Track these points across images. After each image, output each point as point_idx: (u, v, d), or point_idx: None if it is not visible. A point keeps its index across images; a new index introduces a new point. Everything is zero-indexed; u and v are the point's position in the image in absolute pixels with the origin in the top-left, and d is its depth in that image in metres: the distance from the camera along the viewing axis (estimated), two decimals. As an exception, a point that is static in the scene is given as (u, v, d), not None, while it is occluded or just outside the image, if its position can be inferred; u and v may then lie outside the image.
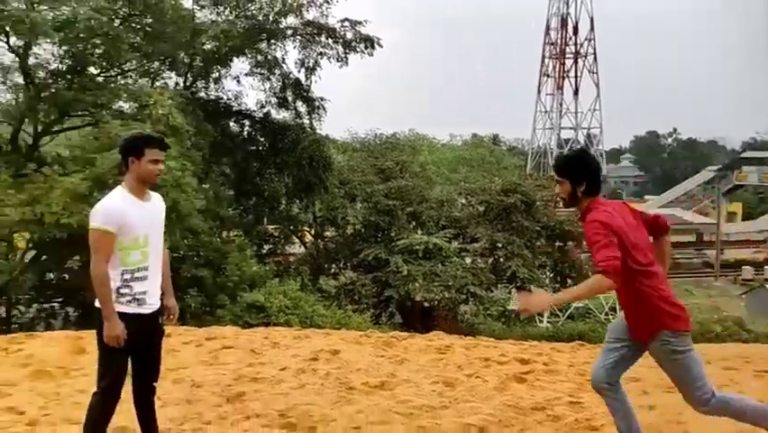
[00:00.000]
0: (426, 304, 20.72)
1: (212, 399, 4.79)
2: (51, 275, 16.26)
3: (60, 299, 17.00)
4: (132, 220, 3.25)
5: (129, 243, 3.26)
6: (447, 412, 4.62)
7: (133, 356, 3.46)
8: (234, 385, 5.19)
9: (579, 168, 3.31)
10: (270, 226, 24.98)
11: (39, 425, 4.10)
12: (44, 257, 15.10)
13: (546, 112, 36.79)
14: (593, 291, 3.17)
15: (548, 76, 36.91)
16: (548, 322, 24.96)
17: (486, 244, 21.78)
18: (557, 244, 23.41)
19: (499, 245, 21.69)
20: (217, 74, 21.69)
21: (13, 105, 16.72)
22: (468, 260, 21.49)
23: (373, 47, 21.32)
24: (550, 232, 22.79)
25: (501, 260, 21.73)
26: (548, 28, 36.85)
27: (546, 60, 37.00)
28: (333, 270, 23.87)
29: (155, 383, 3.62)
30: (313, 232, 25.83)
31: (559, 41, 36.21)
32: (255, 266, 17.69)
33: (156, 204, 3.49)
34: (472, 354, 6.49)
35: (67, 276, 15.68)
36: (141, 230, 3.30)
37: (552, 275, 23.44)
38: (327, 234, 25.48)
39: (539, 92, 37.25)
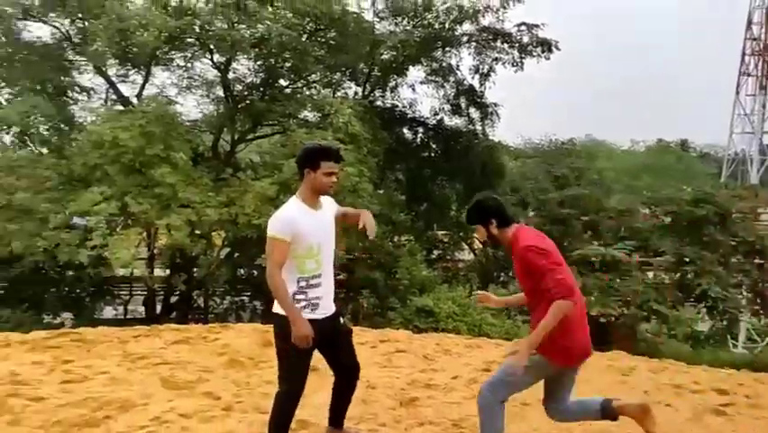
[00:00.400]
0: (602, 320, 19.57)
1: (386, 401, 4.86)
2: (242, 271, 17.79)
3: (249, 294, 18.61)
4: (306, 230, 3.37)
5: (303, 251, 3.38)
6: (632, 441, 4.27)
7: (327, 359, 3.63)
8: (408, 390, 5.24)
9: (480, 213, 3.54)
10: (440, 232, 25.18)
11: (233, 411, 4.44)
12: (237, 254, 16.58)
13: (746, 115, 32.96)
14: (557, 320, 3.23)
15: (749, 75, 33.05)
16: (743, 348, 22.40)
17: (672, 258, 20.08)
18: (756, 260, 20.93)
19: (687, 260, 19.87)
20: (394, 83, 22.35)
21: (214, 116, 18.58)
22: (651, 274, 19.96)
23: (550, 50, 20.68)
24: (748, 248, 20.44)
25: (689, 276, 19.87)
26: (750, 22, 32.97)
27: (747, 58, 33.14)
28: (502, 278, 23.46)
29: (356, 381, 3.77)
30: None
31: (763, 35, 32.33)
32: (425, 271, 17.93)
33: (327, 213, 3.57)
34: (660, 379, 5.95)
35: (255, 272, 17.06)
36: (315, 239, 3.41)
37: (750, 295, 20.99)
38: (498, 242, 25.08)
39: (737, 93, 33.46)
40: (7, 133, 17.03)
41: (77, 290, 16.77)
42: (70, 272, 15.70)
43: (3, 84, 17.76)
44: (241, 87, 17.83)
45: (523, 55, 20.94)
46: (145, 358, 5.70)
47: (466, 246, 26.11)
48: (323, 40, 18.01)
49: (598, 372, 6.11)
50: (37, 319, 14.06)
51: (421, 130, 23.51)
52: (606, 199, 22.79)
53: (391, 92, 22.81)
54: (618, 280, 19.06)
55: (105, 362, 5.60)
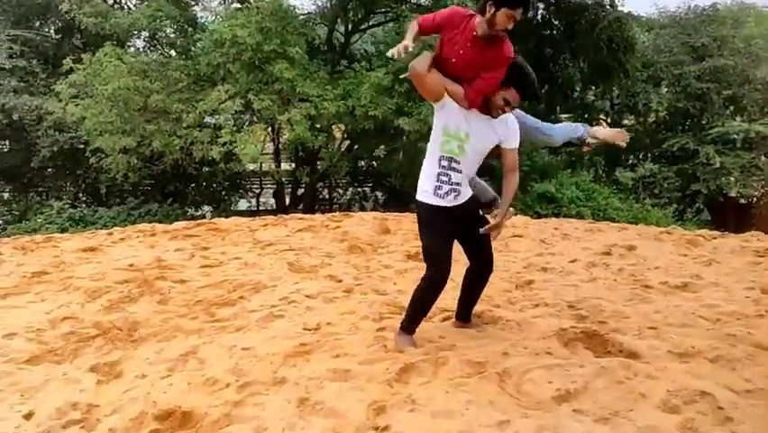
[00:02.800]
0: (743, 200, 18.26)
1: (501, 284, 4.92)
2: (362, 162, 18.17)
3: (371, 184, 19.10)
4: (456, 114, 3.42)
5: (452, 131, 3.45)
6: (764, 322, 4.06)
7: (465, 248, 3.70)
8: (523, 273, 5.26)
9: None
10: (564, 115, 23.99)
11: (353, 293, 4.71)
12: (356, 146, 16.86)
13: None
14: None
15: None
16: None
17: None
18: None
19: None
20: (512, -45, 20.76)
21: (328, 7, 18.38)
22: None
23: None
24: None
25: None
26: None
27: None
28: (630, 160, 22.27)
29: (489, 275, 3.80)
30: (609, 120, 24.18)
31: None
32: (546, 156, 17.39)
33: (495, 131, 3.59)
34: (801, 262, 5.54)
35: (375, 164, 17.36)
36: (463, 128, 3.44)
37: None
38: (626, 122, 23.62)
39: None
40: (138, 38, 17.97)
41: (214, 185, 18.03)
42: (206, 168, 16.84)
43: (129, -11, 18.53)
44: (352, -25, 17.37)
45: None
46: (273, 245, 6.12)
47: (591, 129, 24.83)
48: None
49: (730, 253, 5.79)
50: (182, 213, 15.38)
51: (541, 6, 21.88)
52: (753, 70, 20.47)
53: (509, -34, 21.24)
54: (764, 158, 17.58)
55: (237, 248, 6.08)
